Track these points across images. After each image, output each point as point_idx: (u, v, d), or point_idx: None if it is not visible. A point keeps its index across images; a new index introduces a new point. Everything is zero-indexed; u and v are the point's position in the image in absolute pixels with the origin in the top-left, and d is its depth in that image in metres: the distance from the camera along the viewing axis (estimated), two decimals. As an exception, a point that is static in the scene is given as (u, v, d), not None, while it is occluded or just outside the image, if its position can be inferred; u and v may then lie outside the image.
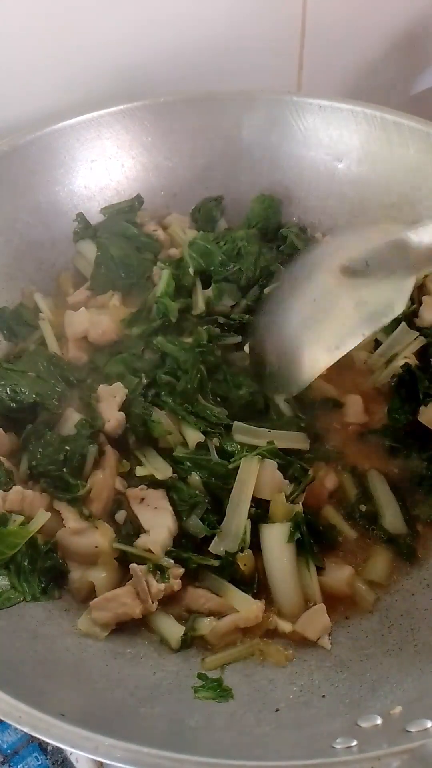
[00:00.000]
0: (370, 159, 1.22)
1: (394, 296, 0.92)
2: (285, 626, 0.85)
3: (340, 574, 0.90)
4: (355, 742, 0.66)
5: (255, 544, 0.90)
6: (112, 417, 0.97)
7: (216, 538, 0.89)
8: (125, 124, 1.22)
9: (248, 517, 0.89)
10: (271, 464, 0.93)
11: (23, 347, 1.12)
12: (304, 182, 1.27)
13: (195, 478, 0.93)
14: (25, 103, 1.22)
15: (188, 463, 0.94)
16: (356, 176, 1.24)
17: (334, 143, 1.24)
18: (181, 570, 0.87)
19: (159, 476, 0.93)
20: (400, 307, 0.92)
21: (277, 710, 0.76)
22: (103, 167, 1.24)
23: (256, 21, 1.33)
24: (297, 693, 0.79)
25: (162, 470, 0.94)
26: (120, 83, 1.26)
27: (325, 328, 0.96)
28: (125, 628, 0.85)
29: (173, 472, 0.94)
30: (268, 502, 0.92)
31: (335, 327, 0.95)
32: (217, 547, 0.88)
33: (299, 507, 0.91)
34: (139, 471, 0.95)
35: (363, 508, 0.96)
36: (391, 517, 0.95)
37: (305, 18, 1.37)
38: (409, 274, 0.92)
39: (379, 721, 0.70)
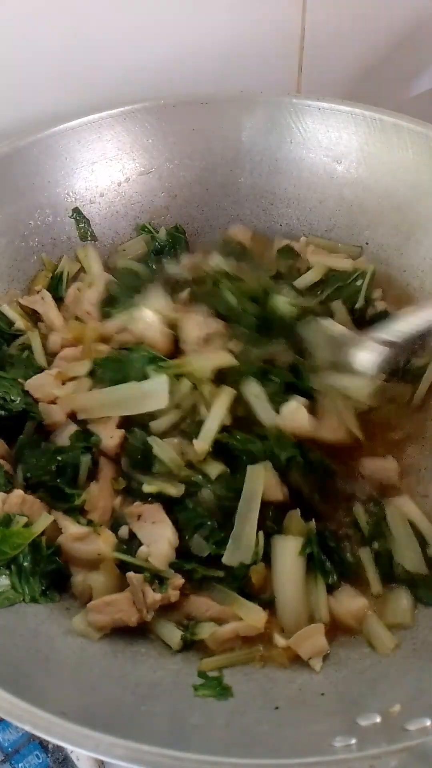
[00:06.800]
0: (369, 161, 1.22)
1: None
2: (280, 640, 0.83)
3: (348, 605, 0.86)
4: (354, 740, 0.66)
5: (266, 559, 0.88)
6: (114, 434, 0.94)
7: (228, 548, 0.87)
8: (126, 126, 1.23)
9: (262, 531, 0.88)
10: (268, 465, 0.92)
11: (14, 353, 1.09)
12: (303, 184, 1.27)
13: (207, 492, 0.91)
14: (26, 104, 1.22)
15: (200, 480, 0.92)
16: (355, 178, 1.24)
17: (333, 145, 1.24)
18: (182, 581, 0.86)
19: (173, 492, 0.91)
20: None
21: (277, 708, 0.77)
22: (104, 169, 1.24)
23: (256, 23, 1.34)
24: (296, 691, 0.80)
25: (175, 486, 0.91)
26: (121, 85, 1.27)
27: None
28: (126, 627, 0.85)
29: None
30: (282, 516, 0.91)
31: None
32: (230, 558, 0.86)
33: (313, 524, 0.90)
34: (147, 488, 0.91)
35: (375, 545, 0.92)
36: (411, 555, 0.89)
37: (305, 20, 1.38)
38: None
39: (378, 719, 0.71)
